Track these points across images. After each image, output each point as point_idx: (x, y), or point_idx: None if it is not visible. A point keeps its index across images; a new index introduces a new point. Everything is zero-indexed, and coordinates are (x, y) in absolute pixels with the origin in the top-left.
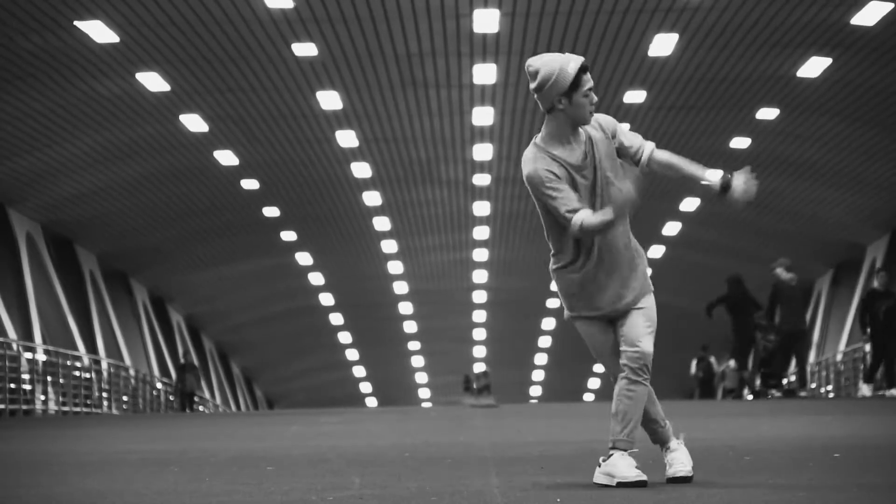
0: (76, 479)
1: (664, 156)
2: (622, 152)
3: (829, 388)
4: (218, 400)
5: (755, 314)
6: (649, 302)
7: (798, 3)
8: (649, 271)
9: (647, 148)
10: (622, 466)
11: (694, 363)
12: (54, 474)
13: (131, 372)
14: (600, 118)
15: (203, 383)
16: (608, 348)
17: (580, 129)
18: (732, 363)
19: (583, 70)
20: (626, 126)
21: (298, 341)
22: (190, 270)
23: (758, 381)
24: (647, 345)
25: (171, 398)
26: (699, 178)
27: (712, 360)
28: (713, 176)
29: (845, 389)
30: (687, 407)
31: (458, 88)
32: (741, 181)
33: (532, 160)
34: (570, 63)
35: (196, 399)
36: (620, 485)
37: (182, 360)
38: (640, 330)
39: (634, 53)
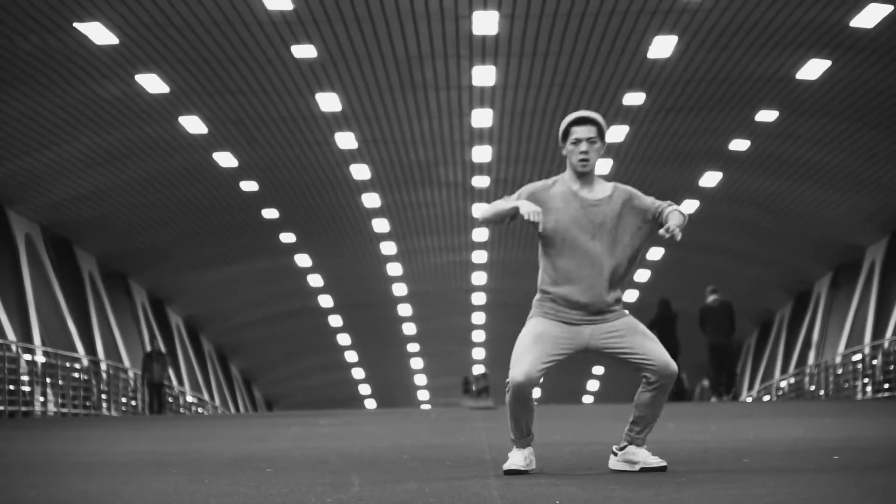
0: (75, 481)
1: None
2: (642, 212)
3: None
4: (217, 401)
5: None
6: (635, 320)
7: (797, 4)
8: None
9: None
10: (642, 454)
11: None
12: (53, 476)
13: (130, 374)
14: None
15: (200, 379)
16: (540, 350)
17: (605, 184)
18: None
19: (578, 122)
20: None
21: (297, 343)
22: (189, 272)
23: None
24: (673, 362)
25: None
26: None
27: (683, 376)
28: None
29: (845, 392)
30: (685, 409)
31: (458, 90)
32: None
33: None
34: (572, 115)
35: (166, 390)
36: (644, 469)
37: (148, 348)
38: (659, 354)
39: (634, 55)
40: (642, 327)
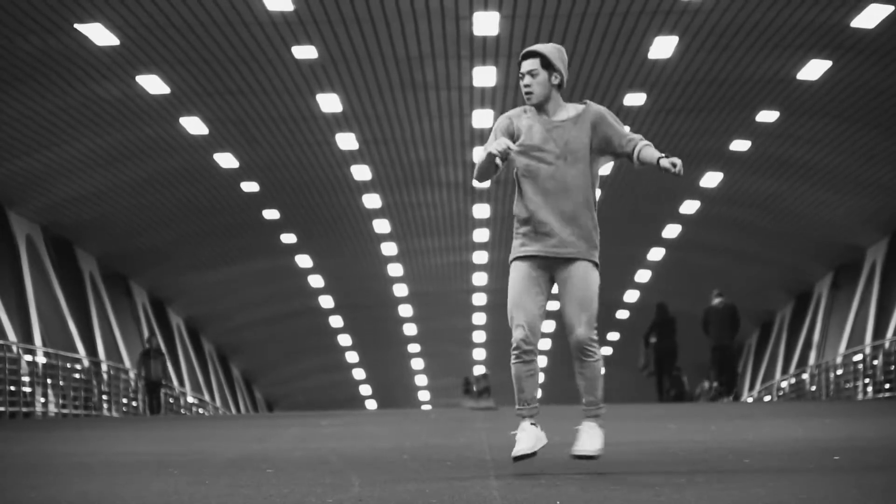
0: (76, 482)
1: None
2: (609, 140)
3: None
4: (217, 402)
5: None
6: (591, 276)
7: (798, 5)
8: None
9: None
10: (583, 437)
11: None
12: (53, 476)
13: (131, 375)
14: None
15: (200, 380)
16: (530, 297)
17: (573, 106)
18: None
19: (524, 56)
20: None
21: (298, 343)
22: (190, 272)
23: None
24: (583, 331)
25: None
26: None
27: (685, 379)
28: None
29: (845, 392)
30: (685, 409)
31: (458, 91)
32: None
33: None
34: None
35: (164, 389)
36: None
37: (146, 345)
38: (574, 319)
39: (634, 56)
40: (590, 290)
